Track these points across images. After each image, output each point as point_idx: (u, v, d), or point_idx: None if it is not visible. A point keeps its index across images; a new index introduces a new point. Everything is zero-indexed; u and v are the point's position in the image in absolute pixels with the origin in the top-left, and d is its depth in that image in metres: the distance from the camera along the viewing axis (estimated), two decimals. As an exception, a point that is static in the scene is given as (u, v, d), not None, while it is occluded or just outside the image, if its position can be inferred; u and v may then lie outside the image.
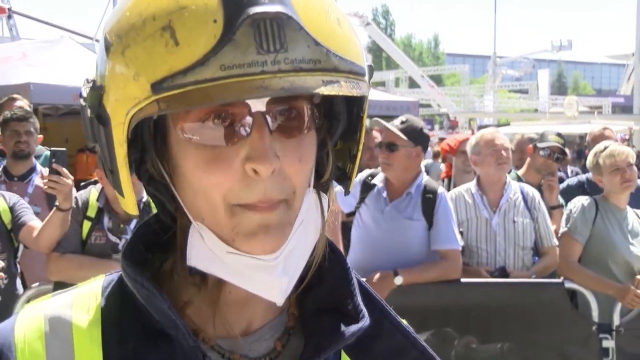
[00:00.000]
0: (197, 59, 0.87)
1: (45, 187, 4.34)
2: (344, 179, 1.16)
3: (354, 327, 1.09)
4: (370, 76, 1.05)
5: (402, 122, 4.90)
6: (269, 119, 0.96)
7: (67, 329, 1.05)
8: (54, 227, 4.41)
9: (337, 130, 1.11)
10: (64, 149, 4.58)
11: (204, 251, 1.02)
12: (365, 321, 1.10)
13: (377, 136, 5.76)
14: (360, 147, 1.12)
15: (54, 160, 4.33)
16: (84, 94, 1.02)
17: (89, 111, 1.01)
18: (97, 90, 0.98)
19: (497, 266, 5.23)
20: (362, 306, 1.12)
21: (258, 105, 0.95)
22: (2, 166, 5.73)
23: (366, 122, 1.12)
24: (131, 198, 1.04)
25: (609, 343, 5.11)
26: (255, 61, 0.87)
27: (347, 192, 1.17)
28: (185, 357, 1.02)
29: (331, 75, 0.93)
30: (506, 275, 5.15)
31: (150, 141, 1.02)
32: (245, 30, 0.88)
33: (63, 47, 14.49)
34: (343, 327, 1.09)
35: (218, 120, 0.95)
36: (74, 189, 4.66)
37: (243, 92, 0.87)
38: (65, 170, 4.32)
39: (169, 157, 1.02)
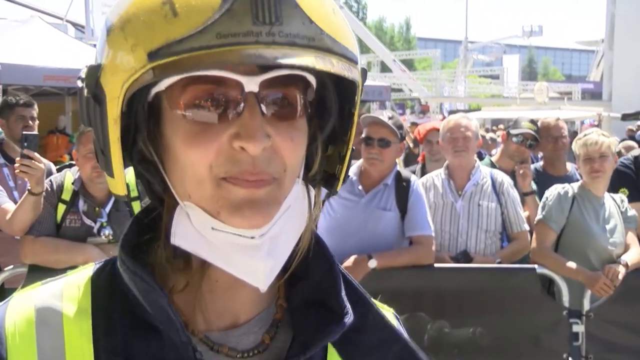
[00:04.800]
0: (194, 28, 0.89)
1: (17, 171, 4.33)
2: (332, 180, 1.16)
3: (338, 324, 1.10)
4: (364, 80, 1.07)
5: (390, 118, 4.93)
6: (261, 100, 0.97)
7: (58, 320, 1.05)
8: (27, 211, 4.40)
9: (327, 125, 1.12)
10: (36, 132, 4.57)
11: (189, 231, 1.02)
12: (349, 318, 1.11)
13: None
14: (350, 147, 1.13)
15: (25, 144, 4.31)
16: (83, 76, 1.03)
17: (85, 91, 1.01)
18: (95, 69, 0.99)
19: (458, 248, 5.29)
20: (346, 302, 1.13)
21: (251, 85, 0.96)
22: None
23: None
24: (121, 178, 1.04)
25: (579, 328, 5.19)
26: (250, 31, 0.90)
27: (334, 193, 1.17)
28: (174, 350, 1.02)
29: (324, 54, 0.95)
30: (469, 259, 5.20)
31: (144, 121, 1.03)
32: (243, 1, 0.90)
33: (33, 27, 14.34)
34: (328, 324, 1.11)
35: (210, 100, 0.97)
36: (54, 168, 4.64)
37: (236, 59, 0.89)
38: (37, 155, 4.31)
39: (160, 138, 1.03)
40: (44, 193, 4.41)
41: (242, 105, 0.96)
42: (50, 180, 4.61)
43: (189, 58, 0.89)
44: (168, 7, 0.91)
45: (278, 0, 0.91)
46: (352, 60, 1.00)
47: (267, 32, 0.90)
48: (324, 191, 1.17)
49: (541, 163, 6.53)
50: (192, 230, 1.02)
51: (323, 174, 1.16)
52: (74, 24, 26.28)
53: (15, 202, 4.79)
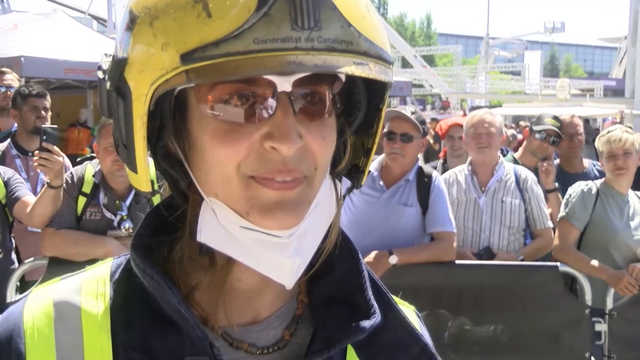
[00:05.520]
0: (230, 32, 0.86)
1: (36, 164, 4.33)
2: (356, 173, 1.15)
3: (365, 324, 1.08)
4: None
5: (413, 113, 4.92)
6: (293, 100, 0.95)
7: (77, 315, 1.04)
8: (46, 204, 4.41)
9: (356, 120, 1.10)
10: (55, 126, 4.57)
11: (216, 227, 1.01)
12: (377, 318, 1.09)
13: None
14: (377, 141, 1.11)
15: (44, 138, 4.30)
16: (104, 67, 1.01)
17: (108, 84, 0.99)
18: (119, 63, 0.96)
19: (481, 244, 5.26)
20: (373, 301, 1.11)
21: (284, 85, 0.94)
22: (8, 141, 5.75)
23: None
24: (145, 174, 1.02)
25: (601, 327, 5.14)
26: (289, 37, 0.87)
27: (358, 186, 1.16)
28: (192, 346, 1.01)
29: (361, 58, 0.93)
30: (492, 255, 5.18)
31: (170, 117, 1.00)
32: (281, 5, 0.87)
33: (55, 20, 14.43)
34: (354, 322, 1.08)
35: (242, 99, 0.94)
36: (69, 164, 4.64)
37: (275, 66, 0.87)
38: (56, 149, 4.30)
39: (186, 134, 1.01)
40: (64, 186, 4.41)
41: (274, 104, 0.94)
42: (71, 173, 4.62)
43: (226, 63, 0.86)
44: (201, 7, 0.88)
45: (317, 4, 0.89)
46: (387, 61, 0.98)
47: (306, 38, 0.88)
48: (344, 186, 1.15)
49: (557, 160, 6.49)
50: (218, 227, 1.00)
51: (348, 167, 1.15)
52: (96, 18, 26.38)
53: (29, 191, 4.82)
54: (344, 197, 1.15)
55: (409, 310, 1.24)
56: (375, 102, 1.09)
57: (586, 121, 22.26)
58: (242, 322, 1.09)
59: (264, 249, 0.99)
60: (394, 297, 1.20)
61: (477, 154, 5.40)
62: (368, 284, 1.13)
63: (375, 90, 1.07)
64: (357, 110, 1.09)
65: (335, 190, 1.10)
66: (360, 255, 1.17)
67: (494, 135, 5.37)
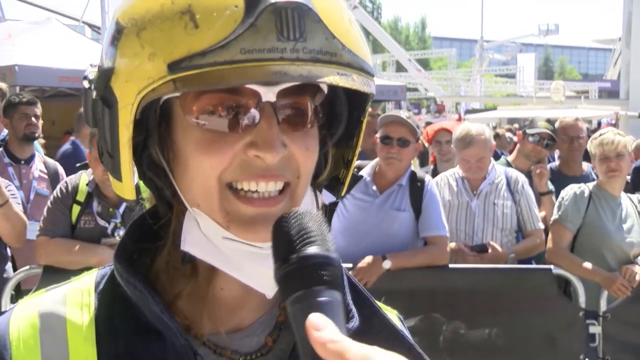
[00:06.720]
0: (217, 42, 0.88)
1: None
2: (336, 185, 1.17)
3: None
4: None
5: (407, 118, 4.93)
6: (277, 110, 0.97)
7: (62, 326, 1.05)
8: (2, 222, 4.53)
9: (337, 132, 1.12)
10: None
11: (199, 237, 1.02)
12: (355, 322, 1.10)
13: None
14: (357, 153, 1.14)
15: None
16: (90, 77, 1.02)
17: (94, 93, 1.01)
18: (105, 73, 0.98)
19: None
20: (351, 305, 1.12)
21: (269, 95, 0.96)
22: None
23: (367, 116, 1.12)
24: (129, 183, 1.03)
25: (595, 329, 5.16)
26: (275, 47, 0.89)
27: (339, 198, 1.18)
28: (176, 354, 1.02)
29: (345, 69, 0.95)
30: (485, 250, 5.19)
31: (155, 126, 1.02)
32: (267, 17, 0.89)
33: (49, 28, 14.40)
34: None
35: (226, 109, 0.96)
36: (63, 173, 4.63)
37: (261, 76, 0.89)
38: None
39: (171, 143, 1.03)
40: (10, 200, 4.52)
41: (258, 114, 0.96)
42: (66, 182, 4.66)
43: (213, 72, 0.88)
44: (188, 18, 0.90)
45: (302, 16, 0.91)
46: (370, 73, 1.00)
47: (292, 49, 0.90)
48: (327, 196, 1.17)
49: (557, 163, 6.49)
50: (201, 237, 1.02)
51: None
52: (90, 25, 26.38)
53: (21, 202, 4.89)
54: (336, 204, 1.17)
55: (391, 314, 1.26)
56: (356, 115, 1.11)
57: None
58: (226, 329, 1.10)
59: (246, 259, 1.01)
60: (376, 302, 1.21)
61: (467, 173, 5.44)
62: (347, 289, 1.14)
63: (357, 103, 1.09)
64: (338, 122, 1.11)
65: (316, 201, 1.12)
66: (340, 262, 1.18)
67: (484, 160, 5.39)
